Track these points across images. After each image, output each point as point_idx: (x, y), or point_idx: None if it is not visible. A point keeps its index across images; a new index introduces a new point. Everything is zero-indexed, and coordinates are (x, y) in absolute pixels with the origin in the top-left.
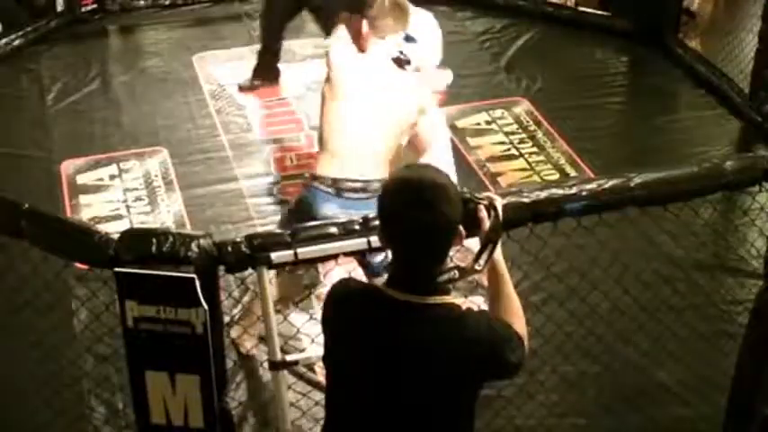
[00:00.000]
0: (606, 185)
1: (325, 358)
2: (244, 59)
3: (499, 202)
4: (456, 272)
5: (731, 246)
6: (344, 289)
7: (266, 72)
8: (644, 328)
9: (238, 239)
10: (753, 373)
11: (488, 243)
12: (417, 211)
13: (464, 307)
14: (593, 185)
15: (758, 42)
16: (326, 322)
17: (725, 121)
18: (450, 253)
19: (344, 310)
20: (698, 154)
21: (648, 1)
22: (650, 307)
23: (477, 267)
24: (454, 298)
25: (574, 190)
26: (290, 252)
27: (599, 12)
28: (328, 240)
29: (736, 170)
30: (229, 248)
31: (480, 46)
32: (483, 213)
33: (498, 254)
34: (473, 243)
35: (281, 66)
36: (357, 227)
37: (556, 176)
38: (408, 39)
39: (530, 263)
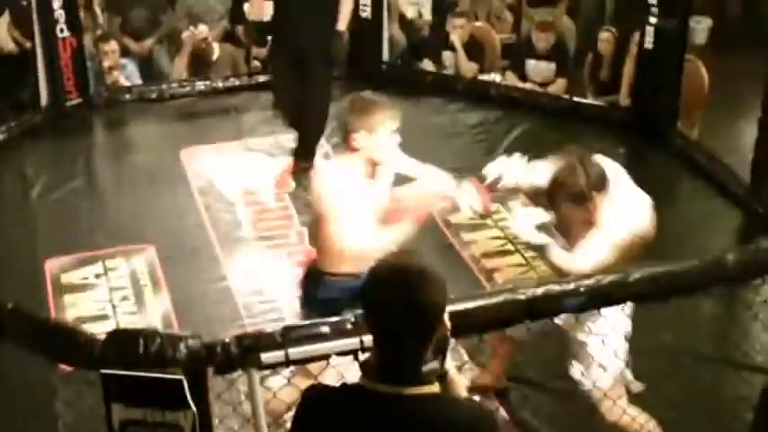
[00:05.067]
0: (604, 281)
1: None
2: (232, 154)
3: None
4: (437, 363)
5: (735, 340)
6: (321, 395)
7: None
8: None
9: (227, 340)
10: None
11: (439, 353)
12: (404, 294)
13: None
14: (591, 281)
15: (758, 131)
16: None
17: (726, 212)
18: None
19: (327, 417)
20: (699, 246)
21: (646, 91)
22: (651, 403)
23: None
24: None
25: (572, 286)
26: (281, 353)
27: (595, 102)
28: (320, 340)
29: (738, 263)
30: (218, 349)
31: (474, 138)
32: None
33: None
34: None
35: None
36: (349, 326)
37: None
38: None
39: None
